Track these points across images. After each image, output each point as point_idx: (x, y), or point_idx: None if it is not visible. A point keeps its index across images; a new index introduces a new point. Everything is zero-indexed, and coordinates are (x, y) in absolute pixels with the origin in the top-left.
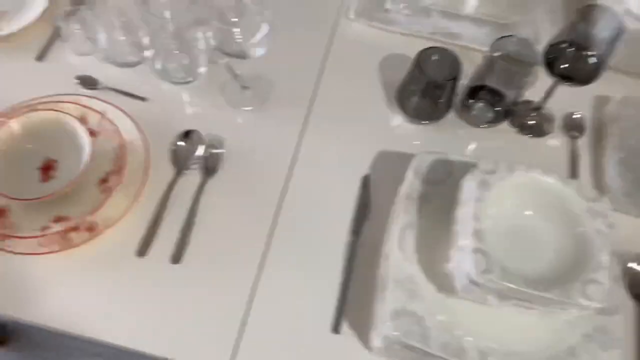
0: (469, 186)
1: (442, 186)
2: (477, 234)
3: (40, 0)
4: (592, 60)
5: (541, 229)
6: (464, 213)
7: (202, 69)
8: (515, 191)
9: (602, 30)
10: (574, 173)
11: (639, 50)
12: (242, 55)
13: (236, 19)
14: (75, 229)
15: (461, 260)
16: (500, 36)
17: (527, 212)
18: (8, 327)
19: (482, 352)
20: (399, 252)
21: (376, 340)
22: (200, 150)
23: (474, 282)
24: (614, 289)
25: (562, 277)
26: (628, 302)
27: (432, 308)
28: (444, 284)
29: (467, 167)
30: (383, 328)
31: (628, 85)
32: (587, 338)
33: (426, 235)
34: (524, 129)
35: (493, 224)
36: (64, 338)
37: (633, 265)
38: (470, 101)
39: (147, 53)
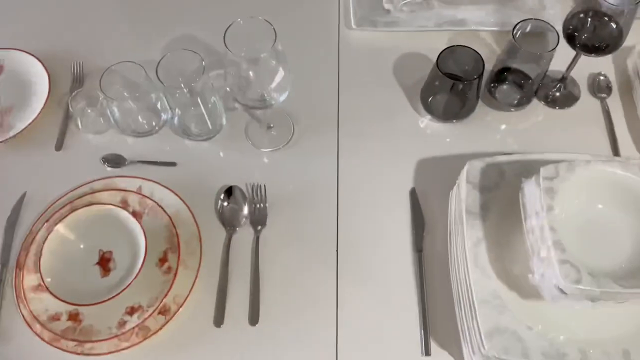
0: (533, 195)
1: (498, 191)
2: (558, 245)
3: (41, 87)
4: (613, 26)
5: (616, 220)
6: (536, 224)
7: (222, 119)
8: (581, 188)
9: None
10: (611, 133)
11: None
12: (266, 106)
13: (251, 72)
14: (150, 315)
15: (546, 272)
16: (505, 12)
17: (598, 206)
18: None
19: (582, 350)
20: (476, 271)
21: None
22: (245, 209)
23: (564, 293)
24: None
25: None
26: None
27: (522, 317)
28: (526, 290)
29: (517, 166)
30: (480, 349)
31: None
32: None
33: (496, 245)
34: (551, 102)
35: (567, 226)
36: None
37: None
38: (495, 85)
39: (164, 115)
